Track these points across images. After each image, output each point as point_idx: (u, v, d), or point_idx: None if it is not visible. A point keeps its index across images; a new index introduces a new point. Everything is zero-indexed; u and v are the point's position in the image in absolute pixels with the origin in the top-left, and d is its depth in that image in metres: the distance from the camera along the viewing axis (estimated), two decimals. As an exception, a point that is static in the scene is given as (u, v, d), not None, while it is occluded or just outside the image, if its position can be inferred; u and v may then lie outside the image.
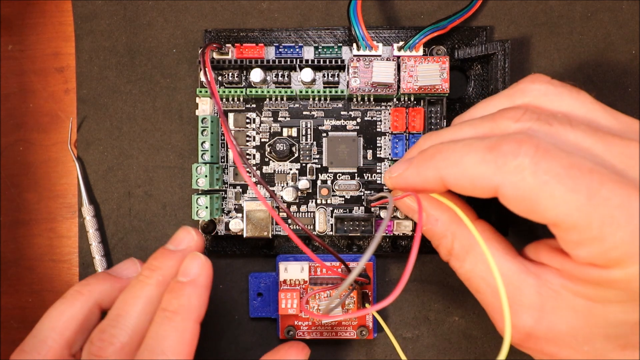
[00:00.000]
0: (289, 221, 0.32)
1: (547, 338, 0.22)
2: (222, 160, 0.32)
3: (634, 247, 0.19)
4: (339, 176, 0.32)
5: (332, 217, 0.32)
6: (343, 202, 0.32)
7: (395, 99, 0.32)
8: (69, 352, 0.26)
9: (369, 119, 0.32)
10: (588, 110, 0.23)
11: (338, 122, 0.32)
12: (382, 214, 0.32)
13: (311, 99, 0.32)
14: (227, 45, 0.31)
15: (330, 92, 0.31)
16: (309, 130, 0.32)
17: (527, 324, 0.22)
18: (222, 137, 0.32)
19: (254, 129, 0.32)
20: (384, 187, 0.32)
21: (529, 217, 0.21)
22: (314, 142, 0.32)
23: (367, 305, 0.31)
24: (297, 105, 0.32)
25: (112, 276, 0.28)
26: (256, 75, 0.30)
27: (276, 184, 0.32)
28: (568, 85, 0.23)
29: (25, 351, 0.25)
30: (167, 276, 0.26)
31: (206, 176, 0.30)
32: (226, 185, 0.32)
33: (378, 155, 0.32)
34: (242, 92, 0.31)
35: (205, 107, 0.32)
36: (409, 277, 0.32)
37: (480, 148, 0.21)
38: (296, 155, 0.32)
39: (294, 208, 0.32)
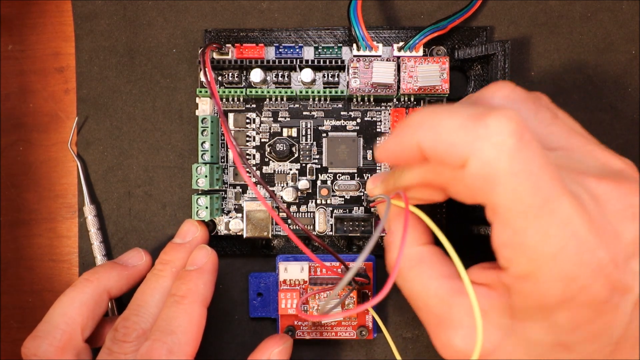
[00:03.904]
0: (289, 221, 0.32)
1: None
2: (222, 160, 0.32)
3: (548, 268, 0.19)
4: (339, 176, 0.32)
5: (332, 217, 0.32)
6: (343, 203, 0.32)
7: (395, 100, 0.32)
8: (81, 337, 0.27)
9: (369, 119, 0.32)
10: (544, 130, 0.23)
11: (338, 123, 0.32)
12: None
13: (311, 99, 0.32)
14: (227, 45, 0.31)
15: (330, 92, 0.31)
16: (309, 130, 0.32)
17: (455, 342, 0.22)
18: (222, 137, 0.32)
19: (254, 129, 0.32)
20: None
21: (475, 198, 0.20)
22: (314, 142, 0.32)
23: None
24: (297, 105, 0.32)
25: (118, 264, 0.30)
26: (256, 75, 0.30)
27: (276, 184, 0.32)
28: (530, 99, 0.23)
29: (39, 336, 0.26)
30: (178, 267, 0.28)
31: (206, 176, 0.30)
32: (226, 186, 0.32)
33: (378, 156, 0.32)
34: (242, 92, 0.31)
35: (205, 107, 0.32)
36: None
37: (463, 114, 0.19)
38: (296, 155, 0.32)
39: (293, 208, 0.32)
